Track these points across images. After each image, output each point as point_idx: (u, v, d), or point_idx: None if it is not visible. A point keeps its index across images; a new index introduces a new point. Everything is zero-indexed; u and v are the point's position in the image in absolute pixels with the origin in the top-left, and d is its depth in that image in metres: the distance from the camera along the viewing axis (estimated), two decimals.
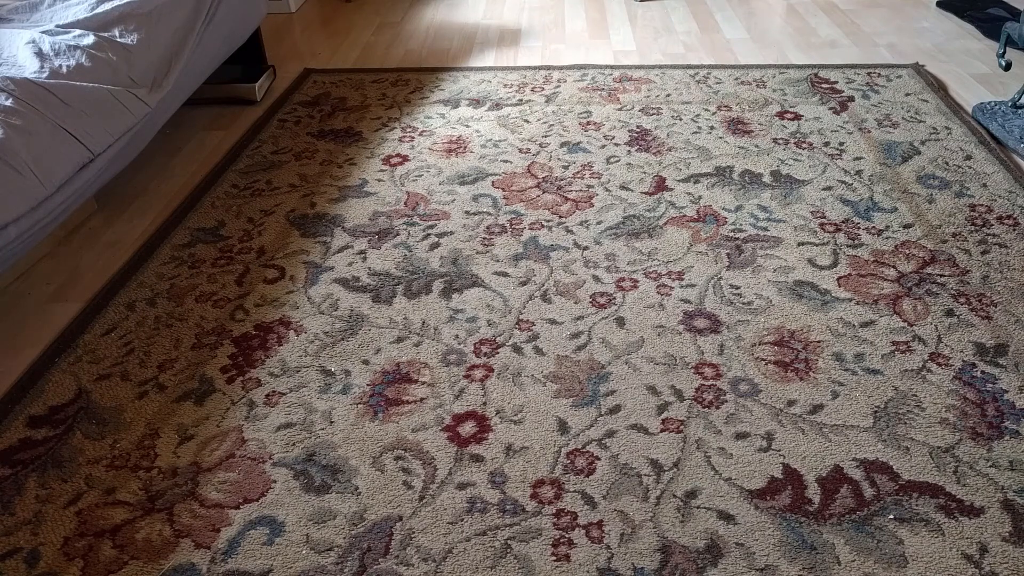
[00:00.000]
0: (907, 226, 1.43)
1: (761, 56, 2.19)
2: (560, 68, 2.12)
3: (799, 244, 1.39)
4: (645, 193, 1.56)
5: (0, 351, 1.23)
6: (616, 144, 1.74)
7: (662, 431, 1.04)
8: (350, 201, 1.57)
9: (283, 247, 1.44)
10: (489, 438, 1.03)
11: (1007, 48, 1.88)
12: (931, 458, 0.98)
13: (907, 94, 1.92)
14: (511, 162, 1.68)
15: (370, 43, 2.43)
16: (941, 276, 1.30)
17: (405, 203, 1.56)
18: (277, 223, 1.51)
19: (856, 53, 2.19)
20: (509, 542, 0.90)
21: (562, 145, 1.74)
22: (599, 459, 1.00)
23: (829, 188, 1.55)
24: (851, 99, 1.90)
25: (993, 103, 1.78)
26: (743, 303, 1.26)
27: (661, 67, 2.12)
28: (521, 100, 1.95)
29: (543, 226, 1.47)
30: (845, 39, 2.30)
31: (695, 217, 1.48)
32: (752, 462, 0.99)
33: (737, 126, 1.79)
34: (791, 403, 1.07)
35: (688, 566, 0.87)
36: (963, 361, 1.13)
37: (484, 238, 1.43)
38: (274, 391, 1.12)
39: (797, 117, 1.82)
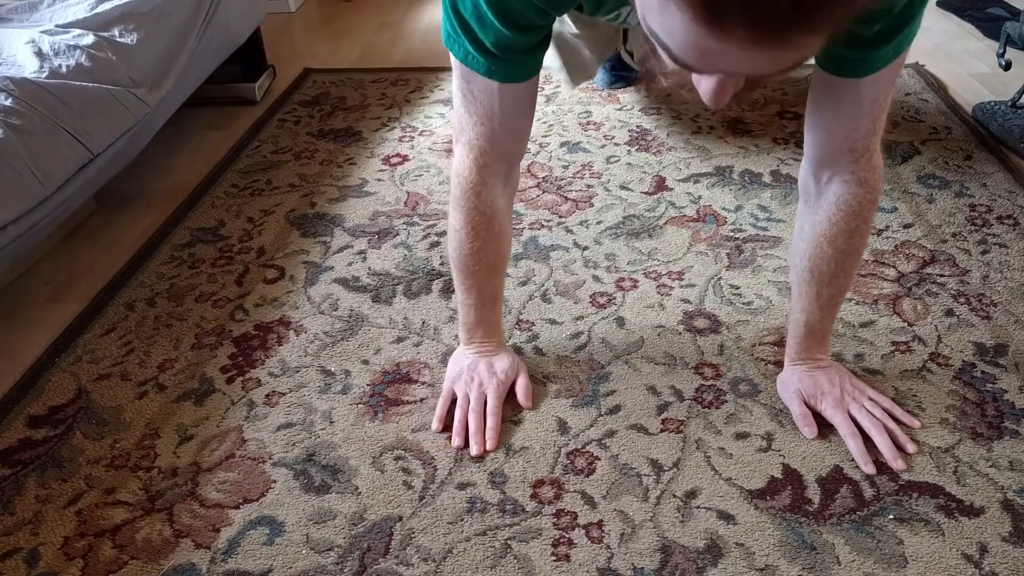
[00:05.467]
0: (907, 226, 1.43)
1: None
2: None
3: None
4: (645, 193, 1.56)
5: (0, 351, 1.23)
6: (616, 144, 1.74)
7: (662, 431, 1.03)
8: (350, 201, 1.57)
9: (283, 247, 1.44)
10: None
11: (1007, 48, 1.88)
12: (931, 458, 0.98)
13: (907, 94, 1.92)
14: None
15: (370, 43, 2.43)
16: (941, 276, 1.30)
17: (405, 203, 1.56)
18: (277, 223, 1.51)
19: None
20: (509, 542, 0.90)
21: (562, 145, 1.74)
22: (599, 459, 1.00)
23: None
24: None
25: (993, 103, 1.78)
26: (743, 303, 1.26)
27: None
28: None
29: (543, 226, 1.47)
30: None
31: (695, 217, 1.48)
32: (752, 462, 0.99)
33: (737, 126, 1.79)
34: None
35: (688, 566, 0.87)
36: (963, 361, 1.13)
37: None
38: (274, 391, 1.12)
39: (797, 117, 1.82)
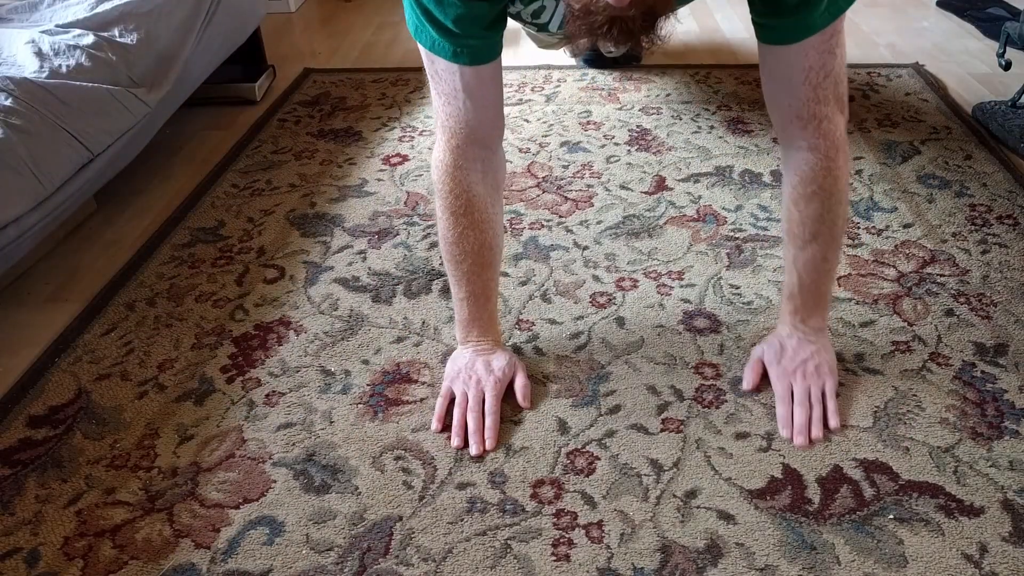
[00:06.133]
0: (907, 226, 1.43)
1: None
2: (560, 68, 2.12)
3: None
4: (645, 193, 1.56)
5: (0, 351, 1.23)
6: (616, 144, 1.74)
7: (662, 431, 1.03)
8: (350, 201, 1.57)
9: (283, 247, 1.44)
10: None
11: (1007, 48, 1.88)
12: (931, 458, 0.98)
13: (907, 94, 1.92)
14: (511, 162, 1.68)
15: (370, 43, 2.43)
16: (941, 276, 1.30)
17: (405, 203, 1.56)
18: (277, 223, 1.51)
19: (856, 53, 2.19)
20: (509, 542, 0.90)
21: (562, 145, 1.74)
22: (599, 459, 1.00)
23: None
24: (851, 99, 1.90)
25: (993, 103, 1.78)
26: (743, 303, 1.26)
27: (661, 67, 2.12)
28: (521, 100, 1.95)
29: (543, 226, 1.47)
30: (845, 39, 2.30)
31: (695, 217, 1.48)
32: (752, 462, 0.99)
33: (737, 125, 1.79)
34: None
35: (688, 566, 0.87)
36: (963, 361, 1.13)
37: None
38: (274, 391, 1.12)
39: None
